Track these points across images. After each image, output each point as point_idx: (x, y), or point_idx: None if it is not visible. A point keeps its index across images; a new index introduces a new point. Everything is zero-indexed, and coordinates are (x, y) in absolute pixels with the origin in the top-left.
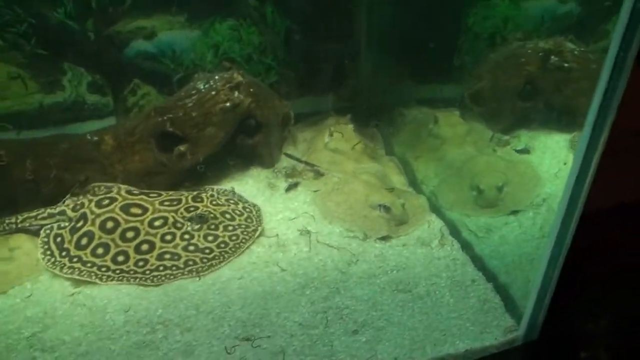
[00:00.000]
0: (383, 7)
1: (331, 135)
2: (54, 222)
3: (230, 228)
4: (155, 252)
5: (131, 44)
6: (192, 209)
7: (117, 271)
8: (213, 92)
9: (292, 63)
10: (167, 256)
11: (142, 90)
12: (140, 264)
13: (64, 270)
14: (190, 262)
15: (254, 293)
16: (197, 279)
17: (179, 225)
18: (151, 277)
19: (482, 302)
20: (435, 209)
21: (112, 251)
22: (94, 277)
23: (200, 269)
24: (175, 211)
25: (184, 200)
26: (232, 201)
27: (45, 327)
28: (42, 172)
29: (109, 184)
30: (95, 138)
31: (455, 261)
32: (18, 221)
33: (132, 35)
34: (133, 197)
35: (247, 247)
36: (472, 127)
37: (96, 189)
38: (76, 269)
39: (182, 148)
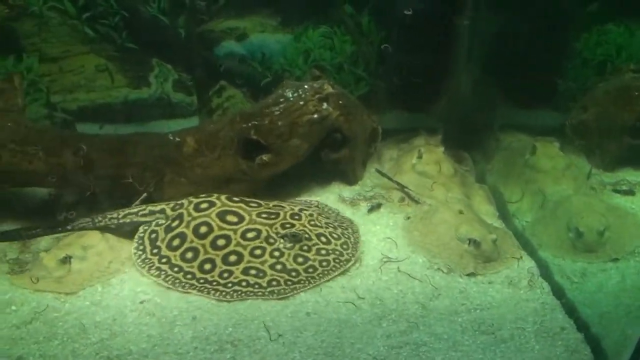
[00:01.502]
0: (487, 24)
1: (420, 157)
2: (153, 220)
3: (322, 252)
4: (242, 265)
5: (221, 43)
6: (287, 225)
7: (201, 280)
8: (301, 102)
9: (384, 76)
10: (253, 272)
11: (228, 92)
12: (225, 275)
13: (151, 272)
14: (274, 283)
15: (328, 320)
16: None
17: (271, 240)
18: (231, 292)
19: (571, 352)
20: (527, 247)
21: (201, 257)
22: (177, 285)
23: (282, 291)
24: (271, 225)
25: (281, 215)
26: (331, 224)
27: (113, 334)
28: (123, 170)
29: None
30: (178, 139)
31: (545, 305)
32: (120, 216)
33: (223, 35)
34: (232, 205)
35: (336, 276)
36: (572, 161)
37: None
38: (162, 272)
39: (265, 157)
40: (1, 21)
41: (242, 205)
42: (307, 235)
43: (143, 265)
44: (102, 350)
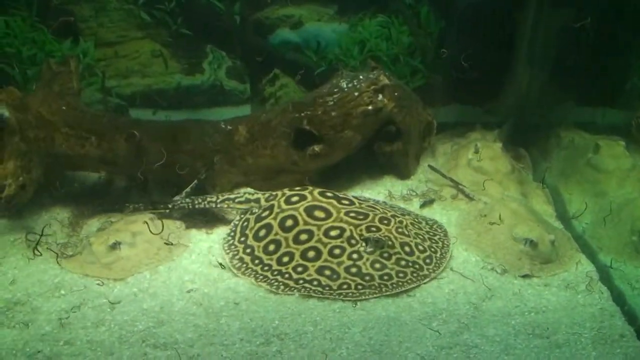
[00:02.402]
0: (551, 18)
1: (476, 152)
2: (248, 207)
3: (402, 263)
4: (318, 263)
5: (276, 31)
6: (373, 229)
7: (275, 272)
8: (356, 93)
9: (441, 68)
10: (327, 272)
11: (281, 80)
12: (299, 269)
13: (234, 262)
14: (345, 286)
15: (377, 317)
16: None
17: (352, 241)
18: (299, 288)
19: None
20: (586, 250)
21: (282, 250)
22: (252, 277)
23: (350, 294)
24: (356, 226)
25: (370, 217)
26: (421, 235)
27: (160, 322)
28: (175, 157)
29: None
30: (230, 127)
31: (603, 311)
32: (218, 200)
33: (278, 22)
34: (322, 200)
35: (410, 290)
36: (638, 162)
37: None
38: (243, 264)
39: (317, 148)
40: (60, 4)
41: (333, 201)
42: (390, 243)
43: (228, 251)
44: (148, 338)
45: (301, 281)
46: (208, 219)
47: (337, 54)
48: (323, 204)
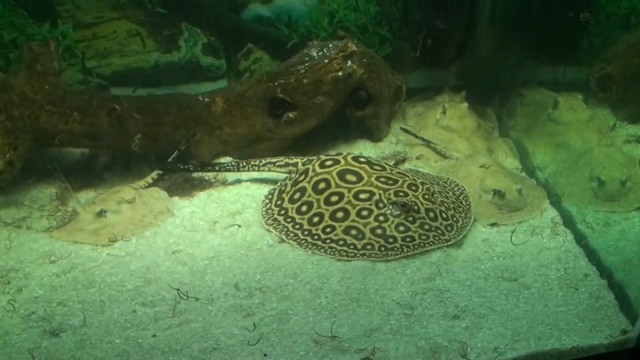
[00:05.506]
0: None
1: (444, 112)
2: (287, 172)
3: (425, 227)
4: (345, 224)
5: (249, 7)
6: (401, 194)
7: (306, 232)
8: (326, 60)
9: (408, 35)
10: (353, 232)
11: (255, 54)
12: (327, 230)
13: (268, 222)
14: (368, 247)
15: (353, 267)
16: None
17: (380, 205)
18: (328, 248)
19: (594, 299)
20: (550, 197)
21: (313, 211)
22: (283, 235)
23: (374, 255)
24: (385, 190)
25: (399, 183)
26: (446, 203)
27: (147, 282)
28: (155, 129)
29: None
30: (207, 99)
31: (568, 253)
32: (261, 164)
33: None
34: (355, 165)
35: (428, 252)
36: (596, 113)
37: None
38: (275, 222)
39: (291, 115)
40: None
41: (366, 166)
42: (416, 208)
43: (264, 215)
44: (136, 296)
45: (328, 241)
46: (191, 185)
47: (308, 26)
48: (355, 168)
